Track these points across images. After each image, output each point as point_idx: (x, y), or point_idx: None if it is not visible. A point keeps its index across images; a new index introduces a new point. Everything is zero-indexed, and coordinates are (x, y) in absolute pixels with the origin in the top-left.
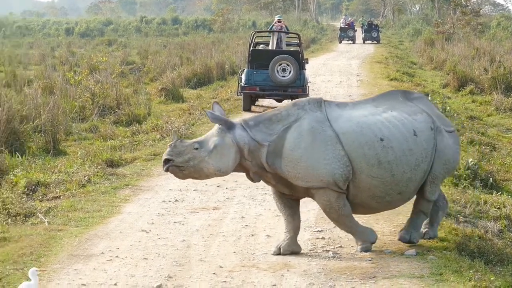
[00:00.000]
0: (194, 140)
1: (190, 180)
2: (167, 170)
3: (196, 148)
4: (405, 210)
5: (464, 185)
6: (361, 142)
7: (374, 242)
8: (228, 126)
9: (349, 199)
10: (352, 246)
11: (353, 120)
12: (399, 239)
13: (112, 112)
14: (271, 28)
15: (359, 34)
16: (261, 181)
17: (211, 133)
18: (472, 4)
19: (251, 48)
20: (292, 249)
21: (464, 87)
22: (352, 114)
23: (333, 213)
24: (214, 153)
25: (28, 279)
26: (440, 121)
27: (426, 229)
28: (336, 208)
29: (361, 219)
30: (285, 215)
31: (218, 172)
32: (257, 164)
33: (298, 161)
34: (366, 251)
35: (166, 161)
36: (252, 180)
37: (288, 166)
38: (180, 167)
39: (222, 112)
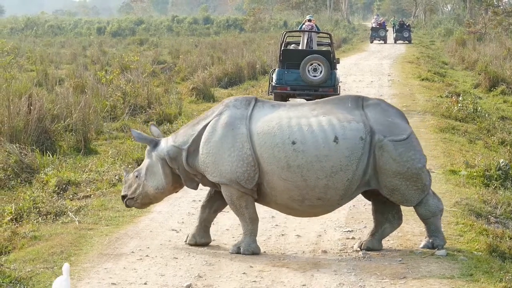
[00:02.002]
0: (136, 169)
1: None
2: (126, 206)
3: (137, 176)
4: None
5: (495, 185)
6: (272, 144)
7: (251, 253)
8: (153, 145)
9: (271, 199)
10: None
11: (273, 121)
12: (422, 247)
13: (143, 111)
14: (301, 28)
15: (391, 34)
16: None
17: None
18: (504, 4)
19: (282, 48)
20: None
21: (496, 87)
22: (276, 116)
23: (234, 209)
24: (148, 175)
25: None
26: (388, 131)
27: (365, 240)
28: (237, 206)
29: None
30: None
31: (158, 191)
32: (184, 170)
33: (207, 154)
34: (237, 252)
35: (123, 197)
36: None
37: (200, 160)
38: (133, 198)
39: (159, 134)
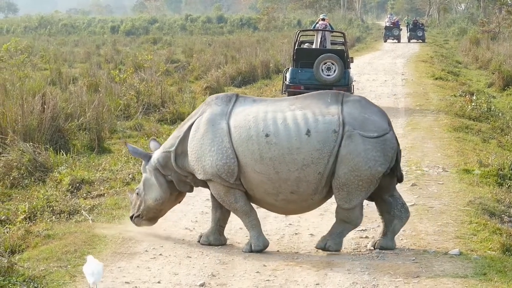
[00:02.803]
0: (136, 187)
1: None
2: (136, 225)
3: (137, 193)
4: (449, 209)
5: (508, 184)
6: (247, 137)
7: (263, 249)
8: (147, 159)
9: (250, 194)
10: (396, 246)
11: (250, 115)
12: (315, 247)
13: (157, 110)
14: (314, 27)
15: (404, 33)
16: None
17: None
18: None
19: (296, 47)
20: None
21: (509, 87)
22: (254, 110)
23: (226, 206)
24: (146, 189)
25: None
26: (359, 126)
27: (378, 240)
28: (227, 202)
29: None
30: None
31: (157, 202)
32: (175, 174)
33: (191, 152)
34: (250, 251)
35: (131, 218)
36: (188, 191)
37: (189, 159)
38: (139, 215)
39: (157, 148)
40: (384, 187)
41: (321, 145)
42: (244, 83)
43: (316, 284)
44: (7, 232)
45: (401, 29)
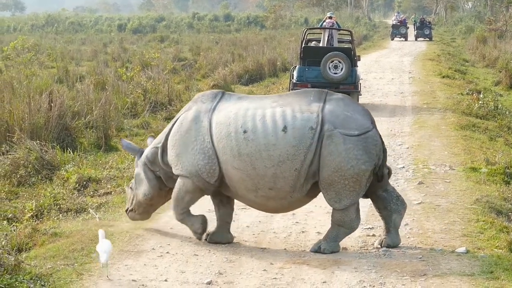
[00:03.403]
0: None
1: None
2: (130, 218)
3: (131, 188)
4: (456, 207)
5: None
6: (226, 133)
7: (204, 231)
8: (140, 154)
9: (233, 192)
10: (402, 243)
11: (231, 112)
12: (310, 250)
13: (164, 108)
14: (321, 25)
15: (411, 31)
16: None
17: None
18: None
19: (303, 45)
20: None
21: None
22: (237, 107)
23: (174, 198)
24: (137, 183)
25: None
26: (340, 124)
27: (384, 237)
28: (179, 197)
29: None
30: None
31: (146, 197)
32: (163, 170)
33: (172, 147)
34: (199, 239)
35: (126, 211)
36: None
37: (168, 153)
38: (132, 209)
39: None
40: (376, 184)
41: (297, 142)
42: (251, 81)
43: (323, 282)
44: (14, 230)
45: (408, 27)
